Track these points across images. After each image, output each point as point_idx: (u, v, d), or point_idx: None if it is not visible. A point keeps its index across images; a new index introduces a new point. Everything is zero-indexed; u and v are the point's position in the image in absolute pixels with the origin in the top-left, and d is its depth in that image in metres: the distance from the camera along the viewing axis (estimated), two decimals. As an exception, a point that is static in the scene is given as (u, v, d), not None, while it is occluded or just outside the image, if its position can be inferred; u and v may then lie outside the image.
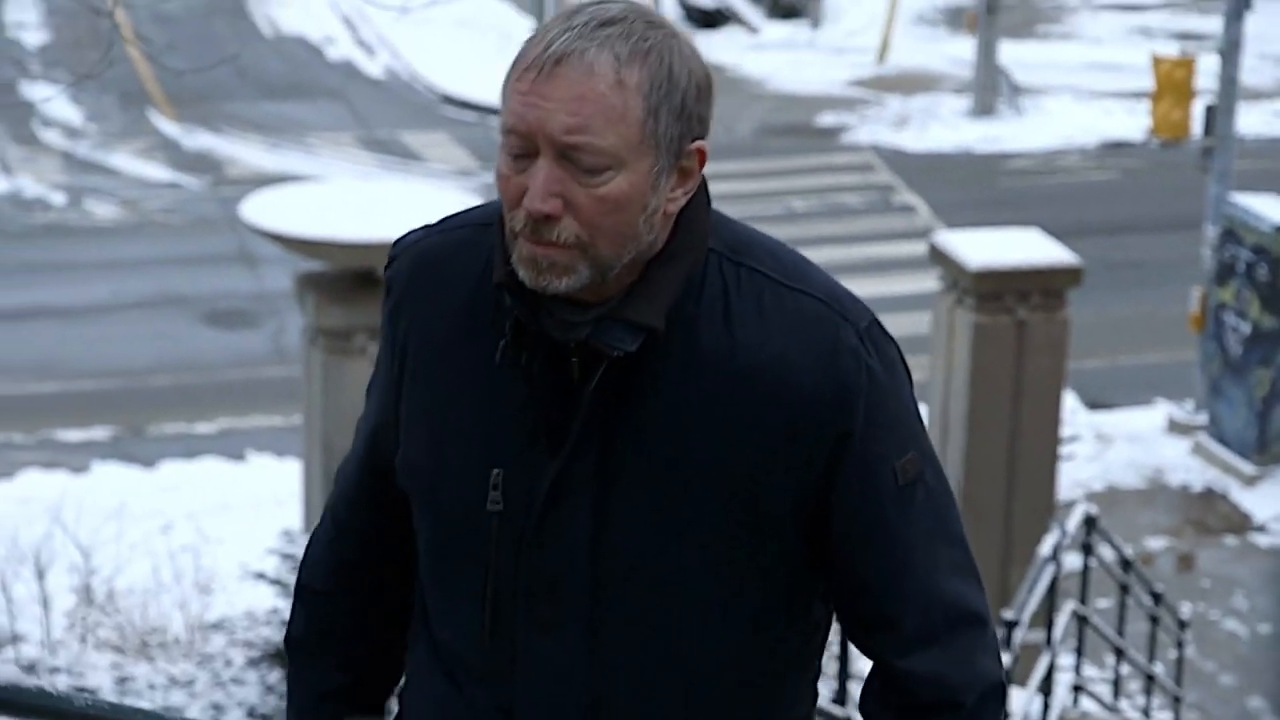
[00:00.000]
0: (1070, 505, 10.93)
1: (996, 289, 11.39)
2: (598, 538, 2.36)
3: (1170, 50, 24.74)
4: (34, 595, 9.59)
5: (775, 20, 33.92)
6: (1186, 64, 22.34)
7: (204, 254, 19.62)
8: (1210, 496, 15.09)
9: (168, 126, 25.82)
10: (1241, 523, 14.60)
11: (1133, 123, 26.15)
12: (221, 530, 12.02)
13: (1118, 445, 15.79)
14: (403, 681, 2.67)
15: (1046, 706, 8.39)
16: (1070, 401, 14.68)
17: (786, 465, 2.33)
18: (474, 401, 2.41)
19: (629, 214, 2.27)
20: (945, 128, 26.31)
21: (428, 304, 2.46)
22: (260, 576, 9.35)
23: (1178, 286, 17.90)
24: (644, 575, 2.36)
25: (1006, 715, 2.37)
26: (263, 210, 9.98)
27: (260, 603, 9.61)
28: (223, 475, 14.12)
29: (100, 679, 8.85)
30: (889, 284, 18.23)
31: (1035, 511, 11.50)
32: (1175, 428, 16.11)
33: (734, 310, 2.34)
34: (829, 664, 7.53)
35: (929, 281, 13.26)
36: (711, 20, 34.20)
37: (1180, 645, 10.90)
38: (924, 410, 11.07)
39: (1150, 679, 10.43)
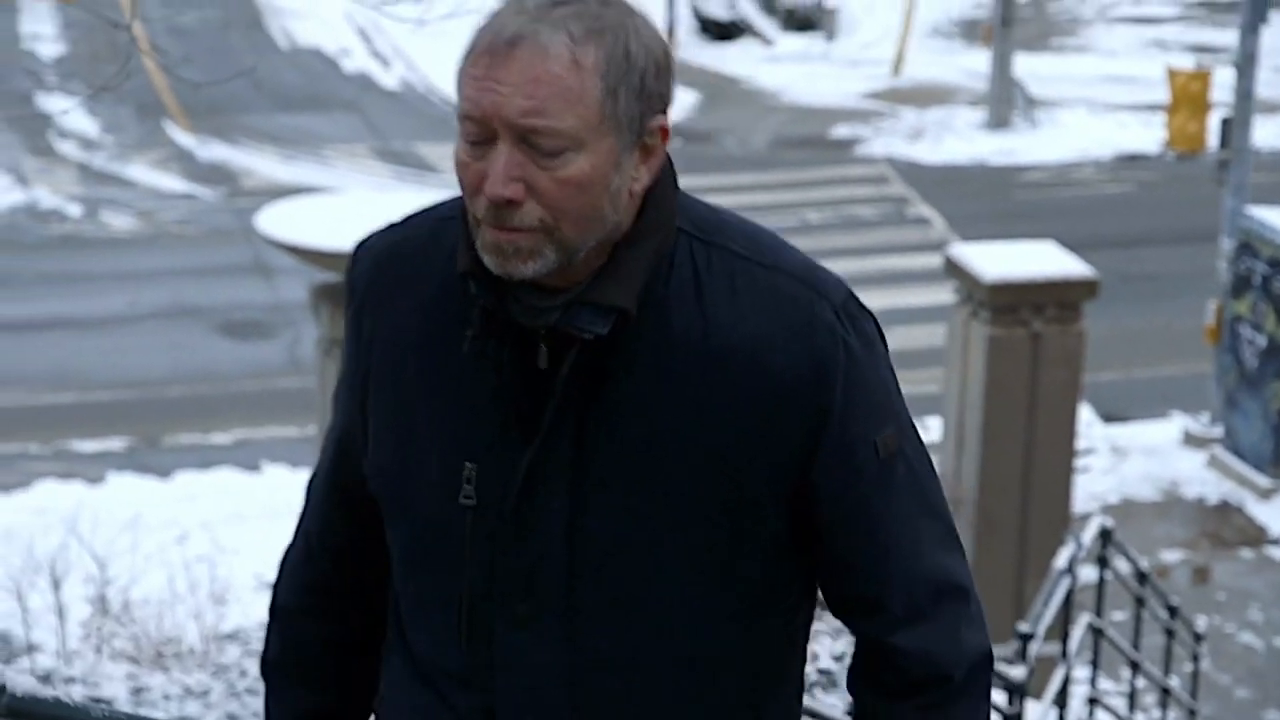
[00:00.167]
0: (1086, 518, 10.92)
1: (1012, 301, 11.38)
2: (574, 526, 2.32)
3: (1186, 63, 24.72)
4: (49, 605, 9.60)
5: (790, 32, 33.93)
6: (1202, 76, 22.32)
7: (219, 265, 19.66)
8: (1226, 509, 15.06)
9: (183, 138, 25.87)
10: (1257, 535, 14.57)
11: (1148, 135, 26.14)
12: (236, 541, 12.04)
13: (1133, 458, 15.77)
14: (380, 695, 2.64)
15: (1062, 719, 8.37)
16: (1085, 414, 14.66)
17: (764, 446, 2.29)
18: (443, 397, 2.37)
19: (592, 195, 2.24)
20: (960, 140, 26.31)
21: (392, 302, 2.42)
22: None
23: (1193, 299, 17.88)
24: (621, 563, 2.32)
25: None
26: (278, 221, 10.00)
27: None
28: (238, 486, 14.15)
29: (115, 689, 8.85)
30: (904, 296, 18.23)
31: (1050, 524, 11.49)
32: (1191, 440, 16.09)
33: (706, 291, 2.30)
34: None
35: (944, 294, 13.25)
36: (727, 32, 34.22)
37: (1196, 658, 10.88)
38: (938, 423, 11.00)
39: (1166, 692, 10.41)
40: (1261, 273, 15.41)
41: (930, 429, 14.83)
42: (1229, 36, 25.64)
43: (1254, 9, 16.04)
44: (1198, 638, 10.78)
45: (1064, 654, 8.35)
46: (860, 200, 23.22)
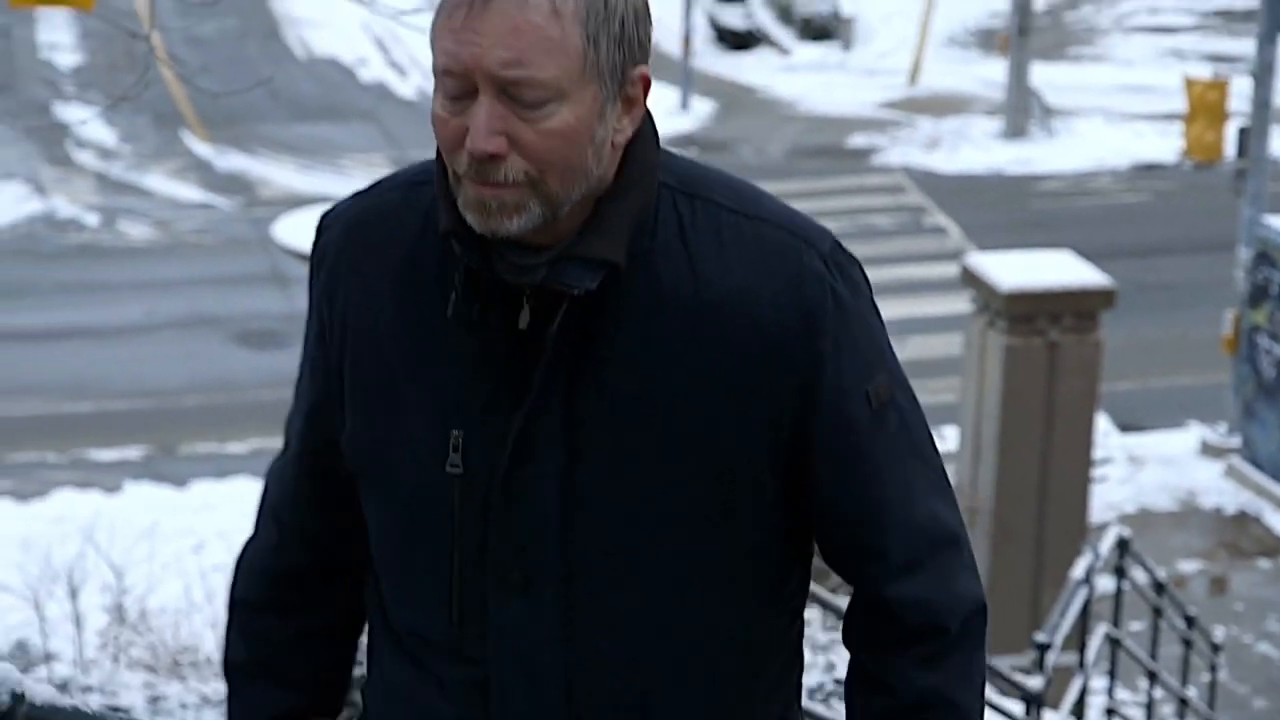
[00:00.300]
0: (1102, 528, 10.90)
1: (1028, 311, 11.38)
2: (567, 490, 2.27)
3: (1203, 72, 24.72)
4: (67, 614, 9.61)
5: (807, 42, 33.96)
6: (1219, 86, 22.31)
7: (236, 274, 19.69)
8: (1243, 519, 15.04)
9: (201, 148, 25.93)
10: (1275, 545, 14.54)
11: (1165, 145, 26.12)
12: (253, 550, 12.03)
13: (1150, 468, 15.75)
14: (359, 683, 2.58)
15: (1078, 729, 8.36)
16: (1102, 424, 14.64)
17: (758, 399, 2.25)
18: (425, 364, 2.31)
19: (577, 147, 2.18)
20: (977, 149, 26.31)
21: (365, 270, 2.35)
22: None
23: (1210, 309, 17.86)
24: (616, 526, 2.27)
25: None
26: (295, 231, 10.01)
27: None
28: (254, 495, 14.11)
29: (133, 698, 8.87)
30: (920, 306, 18.22)
31: (1067, 534, 11.48)
32: (1208, 450, 16.07)
33: (692, 244, 2.26)
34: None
35: (960, 303, 13.25)
36: (743, 42, 34.26)
37: (1213, 669, 10.86)
38: (955, 432, 10.97)
39: (1183, 703, 10.39)
40: (1279, 282, 15.39)
41: (947, 438, 14.82)
42: (1246, 46, 25.63)
43: (1271, 18, 16.03)
44: (1215, 648, 10.76)
45: (1081, 664, 8.34)
46: (877, 209, 23.23)
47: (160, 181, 24.49)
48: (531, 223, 2.19)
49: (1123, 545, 8.99)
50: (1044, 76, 28.28)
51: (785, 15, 34.67)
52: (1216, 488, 15.53)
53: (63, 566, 9.81)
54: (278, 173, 24.55)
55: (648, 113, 2.28)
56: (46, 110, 27.67)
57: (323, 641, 2.56)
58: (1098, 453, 13.27)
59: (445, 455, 2.29)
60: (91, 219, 22.75)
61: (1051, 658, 7.23)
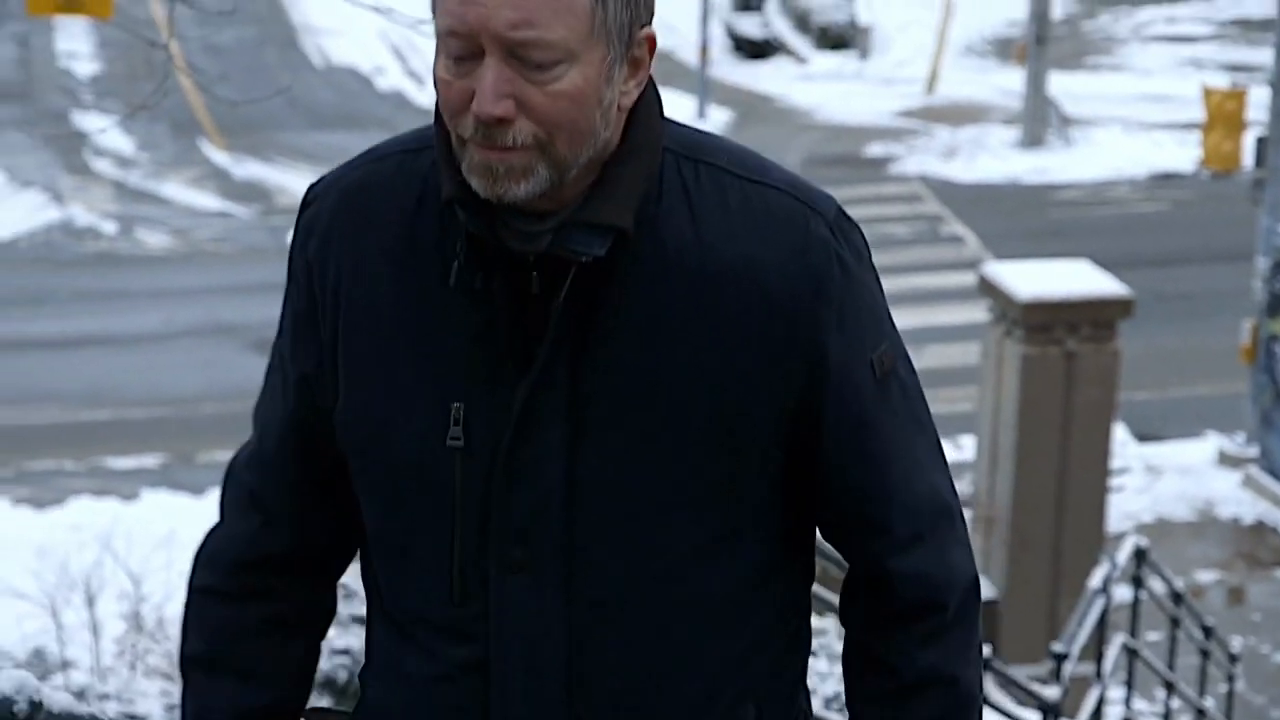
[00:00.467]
0: (1120, 537, 10.89)
1: (1046, 320, 11.37)
2: (572, 464, 2.22)
3: (1221, 82, 24.69)
4: (84, 622, 9.63)
5: (824, 51, 33.96)
6: (1237, 95, 22.27)
7: (254, 283, 19.72)
8: (1261, 529, 15.00)
9: (218, 156, 25.98)
10: (1293, 556, 14.51)
11: (1183, 154, 26.09)
12: (270, 558, 12.05)
13: (1168, 477, 15.72)
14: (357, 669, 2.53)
15: (1096, 740, 8.35)
16: (1120, 433, 14.62)
17: (764, 367, 2.22)
18: (424, 334, 2.25)
19: (586, 109, 2.13)
20: (994, 158, 26.29)
21: (360, 240, 2.28)
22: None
23: (1228, 318, 17.83)
24: (622, 501, 2.23)
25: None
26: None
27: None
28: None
29: (150, 706, 8.88)
30: (937, 315, 18.21)
31: (1085, 543, 11.46)
32: (1226, 460, 16.04)
33: (697, 208, 2.22)
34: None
35: (978, 312, 13.24)
36: (760, 51, 34.27)
37: (1231, 679, 10.84)
38: (972, 441, 10.95)
39: (1201, 713, 10.37)
40: (1297, 292, 15.36)
41: (964, 448, 14.80)
42: (1264, 55, 25.57)
43: (1289, 27, 15.99)
44: (1233, 658, 10.74)
45: (1099, 674, 8.33)
46: (894, 219, 23.22)
47: (178, 190, 24.53)
48: (539, 187, 2.14)
49: (1140, 555, 8.98)
50: (1061, 85, 28.26)
51: (802, 24, 34.67)
52: (1234, 498, 15.49)
53: (80, 574, 9.82)
54: (295, 181, 24.60)
55: (651, 78, 2.24)
56: (65, 118, 27.73)
57: (289, 632, 2.46)
58: (1115, 462, 13.24)
59: (445, 428, 2.24)
60: (109, 227, 22.79)
61: (1068, 668, 7.22)
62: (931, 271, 20.51)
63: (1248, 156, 19.54)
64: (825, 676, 7.82)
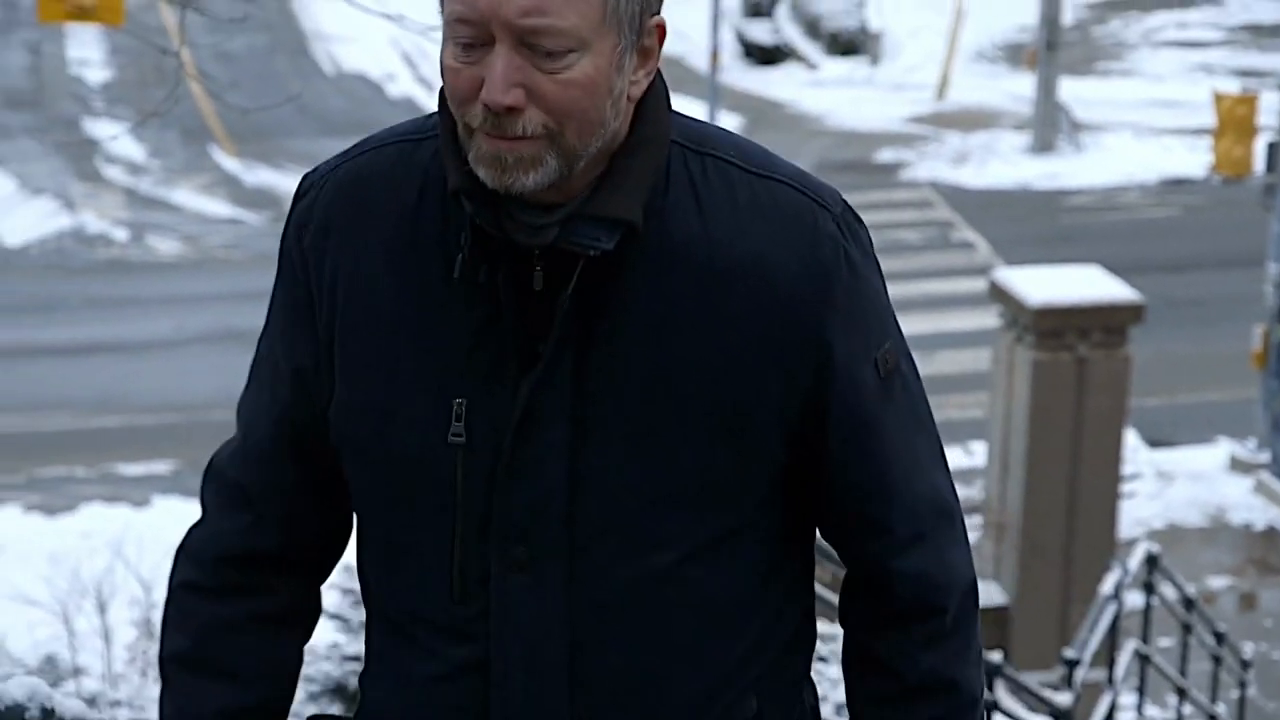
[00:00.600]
0: (1131, 543, 10.88)
1: (1057, 326, 11.36)
2: (576, 461, 2.18)
3: (1231, 87, 24.66)
4: (95, 629, 9.64)
5: (834, 57, 33.96)
6: (1248, 101, 22.26)
7: (265, 289, 19.54)
8: (1273, 535, 14.98)
9: (229, 163, 26.01)
10: (1304, 562, 14.50)
11: (1194, 159, 26.06)
12: (281, 565, 12.05)
13: (1179, 483, 15.70)
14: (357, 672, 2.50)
15: (1107, 746, 8.34)
16: (1131, 439, 14.61)
17: (772, 365, 2.19)
18: (425, 328, 2.20)
19: (596, 98, 2.10)
20: (1005, 164, 26.28)
21: (359, 232, 2.24)
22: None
23: (1239, 324, 17.81)
24: (625, 498, 2.19)
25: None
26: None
27: (320, 637, 9.64)
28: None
29: (160, 713, 8.88)
30: (948, 321, 18.20)
31: (1096, 549, 11.45)
32: (1237, 466, 16.02)
33: (705, 202, 2.19)
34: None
35: (988, 318, 13.23)
36: (771, 57, 34.27)
37: (1243, 685, 10.83)
38: (983, 447, 10.92)
39: (1212, 719, 10.35)
40: (1308, 297, 15.34)
41: (975, 453, 14.79)
42: (1275, 61, 25.59)
43: (1300, 33, 15.98)
44: (1244, 664, 10.73)
45: (1110, 680, 8.32)
46: (904, 224, 23.21)
47: (189, 196, 24.56)
48: (548, 178, 2.10)
49: (1152, 561, 8.97)
50: (1072, 91, 28.24)
51: (813, 30, 34.67)
52: (1245, 503, 15.48)
53: (91, 581, 9.84)
54: (306, 188, 24.63)
55: (659, 68, 2.21)
56: (76, 125, 27.76)
57: (276, 630, 2.39)
58: (1126, 468, 13.23)
59: (446, 424, 2.19)
60: (120, 234, 22.82)
61: (1080, 674, 7.22)
62: (942, 277, 20.50)
63: (1259, 161, 19.54)
64: (836, 683, 7.81)
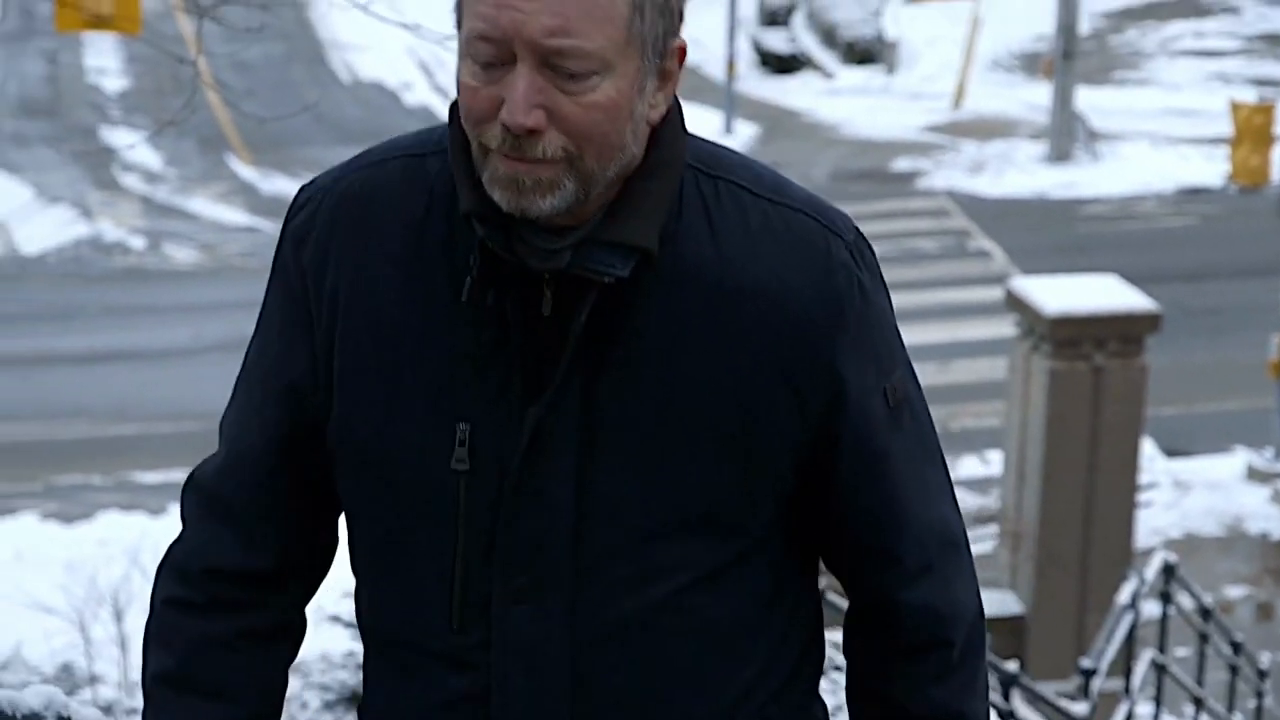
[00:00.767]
0: (1148, 553, 10.87)
1: (1073, 335, 11.35)
2: (582, 489, 2.14)
3: (1248, 96, 24.63)
4: (112, 637, 9.65)
5: (850, 66, 33.95)
6: (1265, 110, 22.24)
7: (281, 298, 19.73)
8: (1290, 545, 14.96)
9: (245, 171, 26.05)
10: (1322, 571, 14.47)
11: (1211, 169, 26.03)
12: (297, 573, 12.06)
13: (1196, 493, 15.68)
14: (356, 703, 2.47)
15: (1124, 756, 8.32)
16: (1148, 448, 14.59)
17: (785, 393, 2.15)
18: (429, 350, 2.15)
19: (617, 122, 2.05)
20: (1021, 173, 26.26)
21: (361, 248, 2.17)
22: (335, 619, 9.39)
23: (1256, 333, 17.78)
24: (631, 528, 2.15)
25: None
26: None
27: (336, 645, 9.64)
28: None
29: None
30: (964, 329, 18.18)
31: (1112, 559, 11.43)
32: (1254, 475, 15.99)
33: (718, 226, 2.15)
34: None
35: (1005, 327, 13.22)
36: (787, 66, 34.28)
37: (1260, 695, 10.80)
38: (999, 456, 10.92)
39: (1229, 729, 10.33)
40: (1326, 306, 15.32)
41: (991, 463, 14.77)
42: (1292, 69, 25.53)
43: (1318, 41, 15.96)
44: (1261, 674, 10.70)
45: (1127, 690, 8.31)
46: (921, 233, 23.20)
47: (205, 205, 24.60)
48: (564, 202, 2.05)
49: (1168, 570, 8.96)
50: (1089, 100, 28.21)
51: (829, 39, 34.67)
52: (1263, 513, 15.45)
53: (108, 589, 9.85)
54: (322, 196, 24.67)
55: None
56: (93, 134, 27.82)
57: (262, 648, 2.33)
58: (1143, 478, 13.22)
59: (449, 449, 2.14)
60: (137, 242, 22.86)
61: (1097, 683, 7.21)
62: (958, 286, 20.48)
63: (1276, 171, 19.53)
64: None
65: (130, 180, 25.54)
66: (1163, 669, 9.26)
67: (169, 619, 2.33)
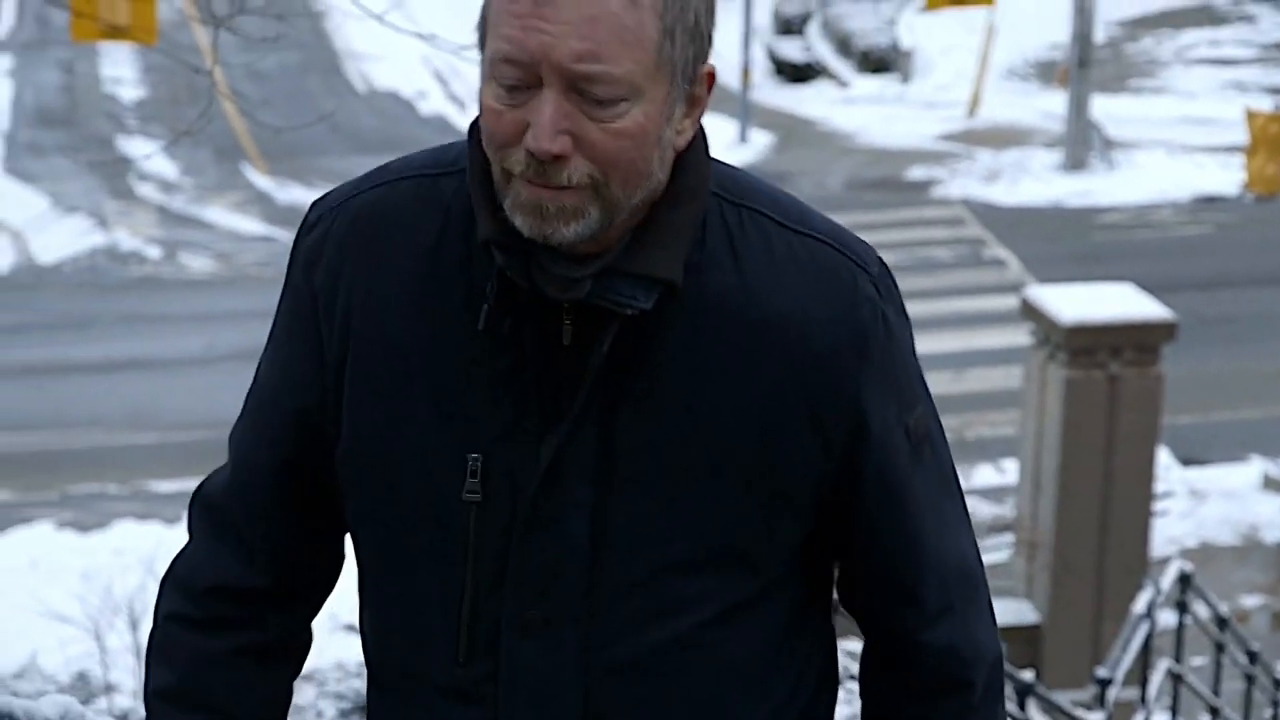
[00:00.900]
0: (1164, 562, 10.84)
1: (1089, 344, 11.33)
2: (598, 523, 2.09)
3: (1264, 105, 24.60)
4: (128, 646, 9.66)
5: (865, 74, 33.94)
6: (1281, 118, 22.21)
7: (297, 307, 19.74)
8: (1306, 554, 14.92)
9: (261, 181, 26.08)
10: (1338, 581, 14.43)
11: (1226, 177, 25.98)
12: (312, 582, 12.06)
13: (1212, 502, 15.64)
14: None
15: (1140, 765, 8.31)
16: (1164, 457, 14.56)
17: (807, 427, 2.11)
18: (442, 377, 2.10)
19: (645, 149, 2.00)
20: (1036, 181, 26.23)
21: (373, 271, 2.12)
22: (350, 628, 9.40)
23: (1272, 342, 17.75)
24: (646, 562, 2.11)
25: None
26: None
27: (351, 654, 9.65)
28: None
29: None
30: (979, 338, 18.16)
31: (1128, 568, 11.41)
32: (1271, 484, 15.96)
33: (742, 255, 2.10)
34: None
35: (1020, 336, 13.20)
36: (802, 74, 34.27)
37: (1276, 705, 10.77)
38: (1015, 465, 10.90)
39: (1245, 738, 10.31)
40: (1342, 315, 15.30)
41: (1007, 472, 14.74)
42: (1308, 77, 25.49)
43: (1333, 50, 15.94)
44: (1277, 684, 10.68)
45: (1143, 699, 8.29)
46: (936, 242, 23.17)
47: (221, 214, 24.63)
48: (588, 230, 2.01)
49: (1185, 579, 8.94)
50: (1104, 109, 28.18)
51: (844, 48, 34.66)
52: (1279, 522, 15.41)
53: (124, 598, 9.85)
54: (338, 206, 24.68)
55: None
56: (109, 144, 27.86)
57: (265, 665, 2.30)
58: (1159, 486, 13.19)
59: (461, 479, 2.10)
60: (153, 251, 22.89)
61: (1113, 693, 7.19)
62: (974, 295, 20.46)
63: (1292, 179, 19.50)
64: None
65: (146, 190, 25.57)
66: (1178, 678, 9.25)
67: (171, 634, 2.30)
